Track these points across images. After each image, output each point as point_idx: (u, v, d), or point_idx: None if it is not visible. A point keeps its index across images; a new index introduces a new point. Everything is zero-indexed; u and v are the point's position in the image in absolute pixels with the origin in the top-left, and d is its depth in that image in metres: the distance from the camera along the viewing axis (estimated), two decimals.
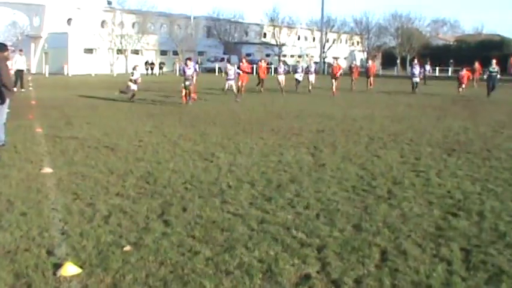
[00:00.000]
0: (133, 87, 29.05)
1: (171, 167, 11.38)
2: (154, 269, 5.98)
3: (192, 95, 26.58)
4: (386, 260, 6.39)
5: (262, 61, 42.94)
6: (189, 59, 28.04)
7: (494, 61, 37.90)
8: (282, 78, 37.59)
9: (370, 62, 47.16)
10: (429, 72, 60.33)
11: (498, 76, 37.52)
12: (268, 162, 12.01)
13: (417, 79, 39.79)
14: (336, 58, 51.24)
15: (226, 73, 31.56)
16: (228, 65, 32.70)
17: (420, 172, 11.28)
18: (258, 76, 40.45)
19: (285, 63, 41.40)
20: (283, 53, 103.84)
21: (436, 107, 27.21)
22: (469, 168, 11.73)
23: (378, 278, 5.85)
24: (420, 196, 9.33)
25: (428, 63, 61.45)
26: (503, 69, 59.99)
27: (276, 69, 37.60)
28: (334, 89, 35.95)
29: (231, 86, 30.27)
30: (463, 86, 38.22)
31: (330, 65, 42.45)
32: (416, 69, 40.06)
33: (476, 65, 48.11)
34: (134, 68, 30.23)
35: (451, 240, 7.09)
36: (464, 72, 39.17)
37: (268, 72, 41.18)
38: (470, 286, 5.72)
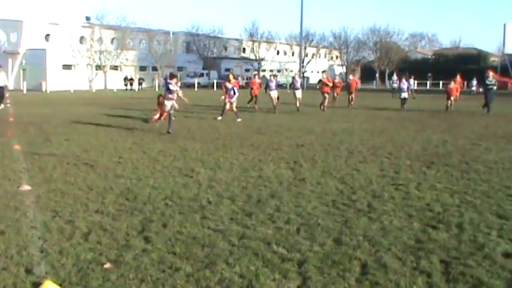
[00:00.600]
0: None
1: (151, 184, 11.35)
2: (134, 286, 5.96)
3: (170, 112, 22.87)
4: (367, 273, 6.41)
5: (256, 77, 40.46)
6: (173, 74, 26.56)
7: (491, 73, 34.73)
8: (274, 94, 33.40)
9: (351, 77, 41.94)
10: (413, 86, 59.29)
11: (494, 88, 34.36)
12: (248, 178, 12.02)
13: (405, 94, 37.88)
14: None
15: (227, 91, 27.53)
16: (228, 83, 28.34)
17: (399, 185, 11.35)
18: (251, 93, 37.10)
19: (275, 77, 36.49)
20: (263, 67, 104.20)
21: (415, 120, 27.40)
22: (447, 181, 11.81)
23: None
24: (400, 209, 9.38)
25: (413, 77, 60.74)
26: (482, 82, 60.94)
27: (267, 84, 34.32)
28: (326, 104, 34.19)
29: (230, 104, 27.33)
30: (452, 99, 36.76)
31: (320, 80, 36.90)
32: (405, 84, 38.28)
33: (458, 78, 44.77)
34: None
35: (431, 253, 7.13)
36: (452, 86, 37.55)
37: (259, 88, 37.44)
38: None
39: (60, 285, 5.92)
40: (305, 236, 7.82)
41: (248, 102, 36.90)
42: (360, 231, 8.08)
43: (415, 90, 58.62)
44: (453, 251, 7.23)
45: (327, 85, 34.77)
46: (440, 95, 48.21)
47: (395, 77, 56.50)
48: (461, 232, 8.09)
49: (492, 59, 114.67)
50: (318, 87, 38.46)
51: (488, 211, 9.29)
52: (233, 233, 7.91)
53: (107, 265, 6.57)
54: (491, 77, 33.89)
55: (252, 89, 37.57)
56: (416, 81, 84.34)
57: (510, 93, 60.27)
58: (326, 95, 34.12)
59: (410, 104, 39.67)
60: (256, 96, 36.54)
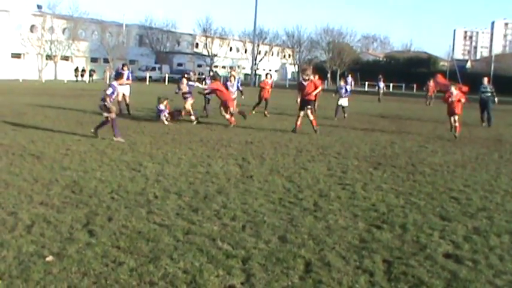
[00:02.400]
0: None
1: (98, 177, 11.23)
2: (77, 280, 5.89)
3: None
4: (311, 271, 6.46)
5: (268, 76, 31.81)
6: (125, 65, 25.97)
7: (485, 79, 29.56)
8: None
9: (306, 77, 26.42)
10: (383, 89, 55.97)
11: (495, 99, 28.54)
12: (196, 173, 11.99)
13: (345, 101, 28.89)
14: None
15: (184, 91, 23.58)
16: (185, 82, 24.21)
17: (346, 185, 11.47)
18: (260, 96, 29.49)
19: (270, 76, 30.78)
20: (215, 63, 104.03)
21: (364, 121, 27.69)
22: (393, 182, 11.99)
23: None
24: (346, 209, 9.48)
25: (381, 79, 57.69)
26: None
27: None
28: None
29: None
30: (431, 97, 36.24)
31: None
32: (342, 87, 29.74)
33: (431, 82, 41.96)
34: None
35: (374, 252, 7.24)
36: (432, 83, 37.32)
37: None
38: None
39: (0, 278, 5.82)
40: (250, 233, 7.84)
41: (254, 108, 29.71)
42: (305, 229, 8.14)
43: (366, 92, 58.24)
44: (396, 251, 7.35)
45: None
46: (389, 97, 48.95)
47: (350, 79, 55.73)
48: (405, 232, 8.22)
49: (442, 63, 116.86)
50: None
51: (431, 212, 9.46)
52: (179, 229, 7.89)
53: (49, 258, 6.48)
54: (486, 83, 29.07)
55: (262, 90, 30.11)
56: (366, 83, 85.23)
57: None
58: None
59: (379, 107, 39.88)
60: (266, 100, 29.54)
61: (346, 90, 29.54)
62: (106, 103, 16.76)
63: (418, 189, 11.39)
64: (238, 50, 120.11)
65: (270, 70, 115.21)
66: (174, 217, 8.52)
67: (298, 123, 20.78)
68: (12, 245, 6.91)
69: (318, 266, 6.63)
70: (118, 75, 19.65)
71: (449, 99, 21.34)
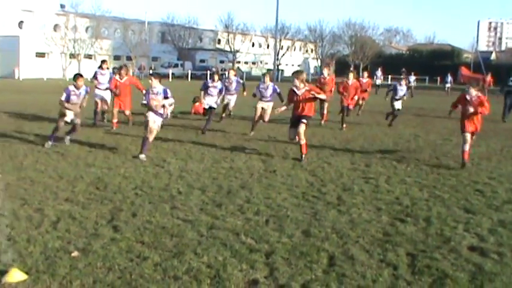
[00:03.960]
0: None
1: (122, 173, 11.31)
2: (102, 275, 5.95)
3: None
4: (334, 265, 6.47)
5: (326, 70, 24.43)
6: (105, 61, 21.18)
7: None
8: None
9: (325, 72, 23.95)
10: (414, 83, 53.68)
11: None
12: (220, 169, 12.03)
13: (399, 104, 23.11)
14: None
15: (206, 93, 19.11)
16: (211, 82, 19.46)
17: (370, 179, 11.44)
18: (343, 101, 21.32)
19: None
20: (238, 59, 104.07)
21: (389, 113, 27.49)
22: (417, 175, 11.94)
23: (325, 283, 5.93)
24: (369, 202, 9.46)
25: (413, 73, 55.56)
26: (455, 78, 61.14)
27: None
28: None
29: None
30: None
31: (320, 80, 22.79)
32: (403, 88, 23.54)
33: (489, 77, 38.89)
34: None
35: (398, 246, 7.22)
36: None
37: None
38: None
39: (26, 273, 5.89)
40: (274, 228, 7.86)
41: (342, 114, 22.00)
42: (329, 223, 8.15)
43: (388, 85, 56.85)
44: (420, 244, 7.32)
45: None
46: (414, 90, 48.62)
47: (379, 73, 54.88)
48: (429, 226, 8.19)
49: (465, 55, 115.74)
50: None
51: (456, 205, 9.42)
52: (202, 223, 7.93)
53: (75, 253, 6.55)
54: None
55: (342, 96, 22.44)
56: (390, 76, 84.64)
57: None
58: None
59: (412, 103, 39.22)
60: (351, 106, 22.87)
61: (404, 90, 23.59)
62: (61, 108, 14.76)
63: (442, 182, 11.33)
64: (260, 46, 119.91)
65: (293, 65, 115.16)
66: (198, 212, 8.56)
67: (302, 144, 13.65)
68: (39, 240, 6.99)
69: (341, 260, 6.63)
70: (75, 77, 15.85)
71: (466, 107, 13.50)
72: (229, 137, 17.29)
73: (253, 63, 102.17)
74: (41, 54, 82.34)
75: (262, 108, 18.45)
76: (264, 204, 9.10)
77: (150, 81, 13.53)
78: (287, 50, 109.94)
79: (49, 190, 9.70)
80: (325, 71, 23.82)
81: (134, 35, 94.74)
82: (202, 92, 19.21)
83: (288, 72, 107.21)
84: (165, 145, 15.14)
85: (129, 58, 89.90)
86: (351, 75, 21.84)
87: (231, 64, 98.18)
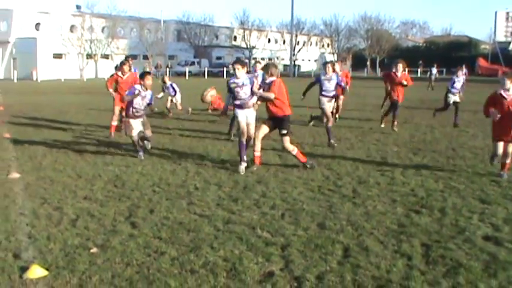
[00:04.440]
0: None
1: (139, 171, 11.44)
2: (120, 270, 6.07)
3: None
4: (349, 256, 6.54)
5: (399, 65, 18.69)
6: (129, 58, 19.29)
7: None
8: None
9: (337, 67, 19.34)
10: (435, 76, 52.94)
11: None
12: (236, 164, 12.11)
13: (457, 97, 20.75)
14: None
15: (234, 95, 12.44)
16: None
17: (385, 171, 11.48)
18: (392, 95, 18.67)
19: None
20: (254, 55, 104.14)
21: (404, 106, 27.45)
22: (433, 167, 11.96)
23: (339, 274, 6.00)
24: (384, 194, 9.52)
25: (435, 65, 54.85)
26: (472, 70, 60.78)
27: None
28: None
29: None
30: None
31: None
32: (460, 79, 21.11)
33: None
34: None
35: (413, 236, 7.27)
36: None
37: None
38: (428, 279, 5.89)
39: (47, 269, 6.03)
40: (289, 221, 7.94)
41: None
42: (344, 216, 8.22)
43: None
44: (434, 235, 7.37)
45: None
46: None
47: (400, 66, 52.58)
48: (444, 216, 8.23)
49: (483, 46, 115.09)
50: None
51: (471, 196, 9.45)
52: (219, 218, 8.03)
53: (94, 250, 6.68)
54: None
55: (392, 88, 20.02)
56: (407, 69, 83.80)
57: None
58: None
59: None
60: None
61: (461, 82, 21.15)
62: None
63: (458, 173, 11.35)
64: (276, 41, 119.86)
65: (309, 60, 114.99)
66: (215, 207, 8.67)
67: (257, 151, 11.91)
68: (59, 238, 7.13)
69: (356, 251, 6.71)
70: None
71: (503, 111, 10.85)
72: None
73: (270, 59, 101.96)
74: (58, 55, 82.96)
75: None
76: (279, 198, 9.19)
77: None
78: (303, 45, 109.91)
79: (68, 189, 9.85)
80: (337, 66, 19.59)
81: (150, 33, 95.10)
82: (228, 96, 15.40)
83: (304, 68, 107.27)
84: (182, 142, 15.26)
85: (145, 57, 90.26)
86: (400, 66, 18.46)
87: (247, 61, 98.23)
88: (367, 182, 10.46)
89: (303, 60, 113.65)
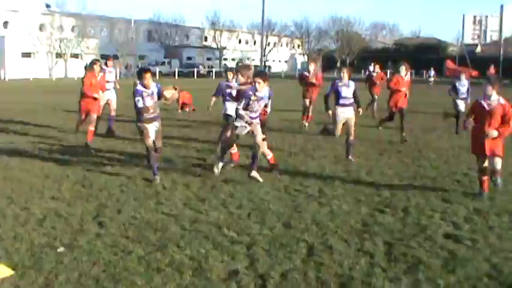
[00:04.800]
0: None
1: (108, 171, 11.46)
2: (87, 269, 6.13)
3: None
4: (313, 254, 6.68)
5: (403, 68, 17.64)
6: (109, 58, 19.01)
7: None
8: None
9: (311, 67, 19.77)
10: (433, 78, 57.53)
11: None
12: (204, 164, 12.19)
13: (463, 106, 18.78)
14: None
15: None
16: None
17: (351, 172, 11.66)
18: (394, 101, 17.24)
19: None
20: (225, 56, 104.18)
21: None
22: (398, 168, 12.16)
23: (303, 272, 6.14)
24: (349, 194, 9.68)
25: (432, 68, 58.69)
26: (440, 72, 61.45)
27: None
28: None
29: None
30: None
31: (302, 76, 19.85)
32: (465, 83, 19.46)
33: (492, 69, 37.99)
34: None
35: (376, 235, 7.45)
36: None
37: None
38: (390, 276, 6.05)
39: (13, 268, 6.06)
40: (255, 220, 8.06)
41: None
42: (309, 215, 8.36)
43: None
44: (397, 233, 7.56)
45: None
46: None
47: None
48: (407, 215, 8.43)
49: (451, 48, 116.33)
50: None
51: (434, 196, 9.66)
52: (185, 218, 8.13)
53: (61, 249, 6.73)
54: None
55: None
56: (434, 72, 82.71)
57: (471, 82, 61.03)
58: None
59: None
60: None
61: (466, 86, 19.45)
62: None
63: (422, 173, 11.57)
64: (247, 42, 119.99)
65: (280, 61, 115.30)
66: (182, 207, 8.76)
67: (234, 153, 12.26)
68: (25, 237, 7.16)
69: (320, 250, 6.85)
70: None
71: (482, 121, 9.52)
72: (214, 130, 17.42)
73: (240, 59, 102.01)
74: (26, 54, 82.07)
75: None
76: (246, 198, 9.29)
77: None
78: (274, 46, 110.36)
79: (35, 189, 9.85)
80: (311, 66, 19.70)
81: (121, 33, 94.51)
82: (213, 99, 14.09)
83: (275, 68, 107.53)
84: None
85: (116, 57, 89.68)
86: (403, 68, 17.22)
87: (218, 61, 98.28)
88: (333, 182, 10.60)
89: (273, 61, 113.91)
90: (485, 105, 9.41)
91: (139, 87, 10.77)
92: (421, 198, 9.50)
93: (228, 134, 12.13)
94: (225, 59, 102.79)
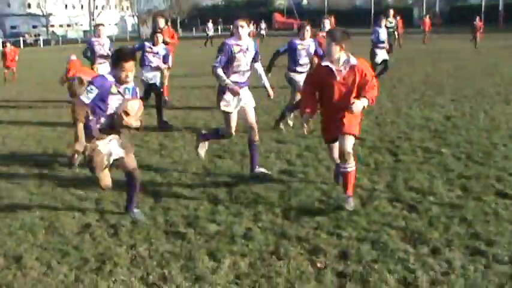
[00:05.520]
0: None
1: None
2: None
3: None
4: (160, 202, 7.08)
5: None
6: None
7: (391, 12, 24.48)
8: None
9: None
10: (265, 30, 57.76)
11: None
12: (44, 131, 12.10)
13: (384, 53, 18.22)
14: None
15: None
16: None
17: (191, 124, 12.07)
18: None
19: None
20: (52, 23, 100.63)
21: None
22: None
23: (152, 217, 6.55)
24: (190, 145, 10.07)
25: (263, 21, 59.21)
26: (270, 26, 63.02)
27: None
28: None
29: None
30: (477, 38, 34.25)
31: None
32: (384, 30, 18.51)
33: (477, 21, 36.35)
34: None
35: (217, 177, 7.97)
36: (481, 23, 35.26)
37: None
38: (232, 212, 6.62)
39: None
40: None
41: None
42: (154, 164, 8.69)
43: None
44: (236, 175, 8.13)
45: None
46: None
47: (210, 24, 51.92)
48: (244, 158, 8.97)
49: (279, 2, 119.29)
50: None
51: (269, 138, 10.34)
52: (30, 184, 8.19)
53: None
54: (392, 16, 24.85)
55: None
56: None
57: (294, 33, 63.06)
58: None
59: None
60: None
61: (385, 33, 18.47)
62: None
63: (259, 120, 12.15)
64: (74, 7, 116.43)
65: (110, 24, 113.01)
66: (26, 174, 8.76)
67: None
68: None
69: (166, 196, 7.28)
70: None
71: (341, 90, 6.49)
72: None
73: (68, 25, 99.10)
74: None
75: None
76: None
77: None
78: (102, 8, 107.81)
79: None
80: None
81: None
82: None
83: (105, 32, 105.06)
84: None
85: None
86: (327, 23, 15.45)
87: (45, 29, 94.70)
88: (173, 136, 11.01)
89: (103, 25, 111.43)
90: (335, 70, 6.48)
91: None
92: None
93: None
94: (53, 26, 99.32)
